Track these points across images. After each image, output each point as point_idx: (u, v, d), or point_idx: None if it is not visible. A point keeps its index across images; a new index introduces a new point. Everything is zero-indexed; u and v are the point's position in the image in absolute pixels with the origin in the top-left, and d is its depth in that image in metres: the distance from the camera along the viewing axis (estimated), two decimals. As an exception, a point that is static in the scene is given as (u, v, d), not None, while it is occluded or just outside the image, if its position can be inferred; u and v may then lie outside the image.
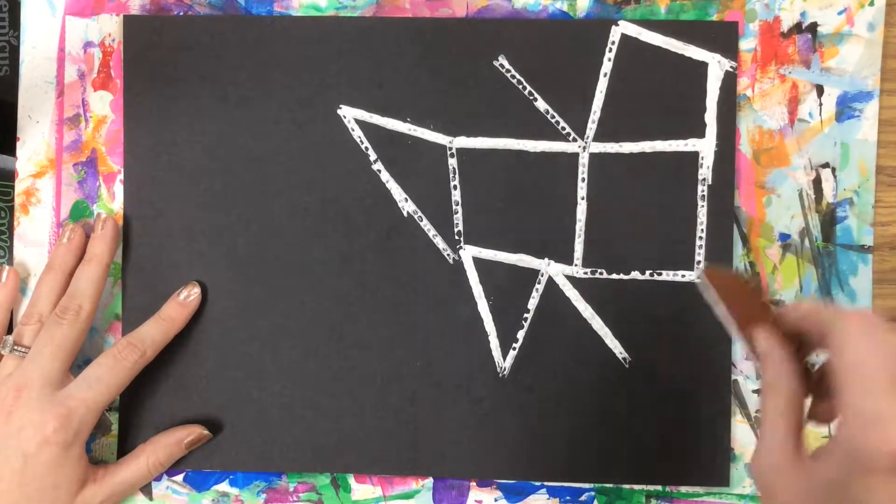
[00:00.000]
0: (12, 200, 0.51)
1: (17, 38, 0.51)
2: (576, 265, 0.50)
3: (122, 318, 0.51)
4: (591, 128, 0.50)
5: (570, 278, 0.50)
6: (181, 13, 0.51)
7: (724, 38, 0.49)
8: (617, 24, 0.50)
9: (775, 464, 0.34)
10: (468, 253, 0.50)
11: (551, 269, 0.50)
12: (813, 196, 0.50)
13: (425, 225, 0.50)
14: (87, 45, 0.51)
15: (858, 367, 0.32)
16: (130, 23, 0.51)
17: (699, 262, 0.50)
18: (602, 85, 0.50)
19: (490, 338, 0.50)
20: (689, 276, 0.50)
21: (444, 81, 0.50)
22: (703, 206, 0.49)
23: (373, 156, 0.50)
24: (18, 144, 0.51)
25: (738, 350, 0.49)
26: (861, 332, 0.32)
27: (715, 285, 0.38)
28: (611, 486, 0.50)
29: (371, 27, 0.50)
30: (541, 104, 0.50)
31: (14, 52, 0.51)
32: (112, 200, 0.51)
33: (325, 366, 0.50)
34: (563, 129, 0.50)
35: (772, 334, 0.36)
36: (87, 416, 0.45)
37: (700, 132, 0.49)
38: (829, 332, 0.33)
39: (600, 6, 0.50)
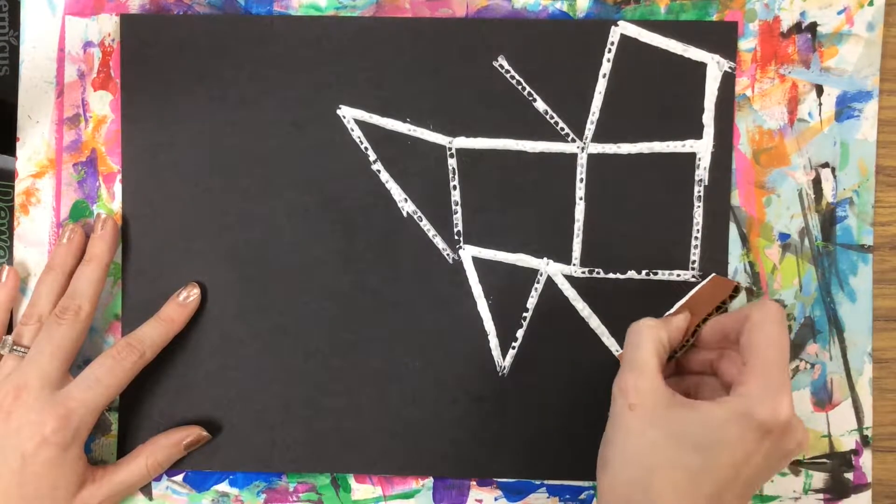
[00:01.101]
0: (12, 200, 0.51)
1: (17, 38, 0.51)
2: (574, 265, 0.50)
3: (121, 318, 0.51)
4: (590, 128, 0.50)
5: (569, 278, 0.50)
6: (180, 13, 0.51)
7: (723, 38, 0.49)
8: (616, 25, 0.50)
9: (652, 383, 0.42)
10: (468, 253, 0.50)
11: (550, 268, 0.50)
12: (813, 196, 0.50)
13: (425, 225, 0.50)
14: (87, 44, 0.51)
15: (771, 346, 0.40)
16: (128, 22, 0.51)
17: (694, 262, 0.50)
18: (601, 86, 0.50)
19: (490, 337, 0.50)
20: (684, 275, 0.50)
21: (444, 81, 0.50)
22: (699, 206, 0.49)
23: (372, 156, 0.50)
24: (18, 144, 0.51)
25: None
26: (776, 318, 0.41)
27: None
28: (610, 485, 0.50)
29: (371, 27, 0.50)
30: (540, 105, 0.50)
31: (14, 52, 0.51)
32: (112, 200, 0.51)
33: (325, 366, 0.50)
34: (562, 129, 0.50)
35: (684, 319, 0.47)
36: (86, 416, 0.46)
37: (698, 133, 0.49)
38: (749, 315, 0.41)
39: (600, 6, 0.50)
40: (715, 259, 0.49)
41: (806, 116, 0.50)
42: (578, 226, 0.50)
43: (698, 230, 0.49)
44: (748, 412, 0.39)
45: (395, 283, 0.50)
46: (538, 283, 0.50)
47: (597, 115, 0.50)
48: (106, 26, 0.51)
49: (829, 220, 0.50)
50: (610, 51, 0.50)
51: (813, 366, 0.50)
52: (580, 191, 0.50)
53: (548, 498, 0.50)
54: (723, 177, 0.49)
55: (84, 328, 0.47)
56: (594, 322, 0.50)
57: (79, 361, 0.49)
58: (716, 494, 0.39)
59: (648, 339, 0.43)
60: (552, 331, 0.50)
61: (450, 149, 0.50)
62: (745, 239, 0.50)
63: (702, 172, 0.49)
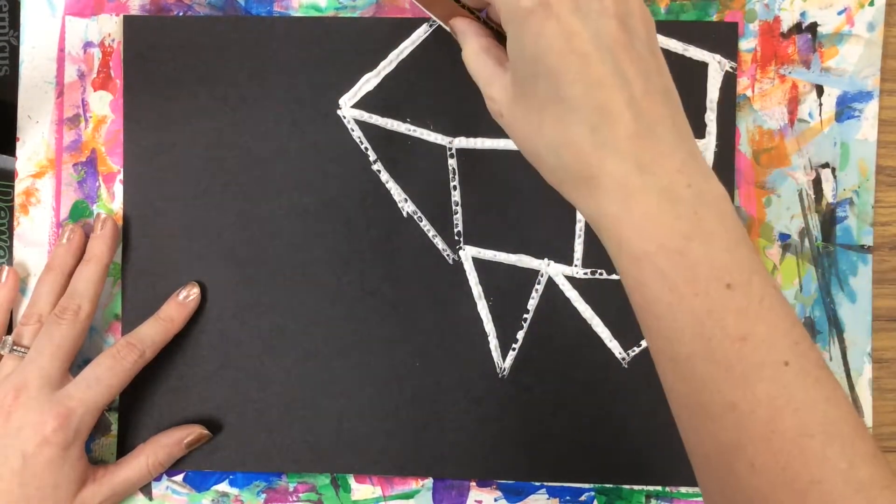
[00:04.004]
0: (12, 200, 0.51)
1: (17, 38, 0.51)
2: (576, 265, 0.50)
3: (121, 318, 0.51)
4: (591, 128, 0.50)
5: (570, 279, 0.50)
6: (181, 13, 0.51)
7: (723, 38, 0.49)
8: (617, 25, 0.50)
9: (505, 94, 0.37)
10: (468, 253, 0.50)
11: (551, 269, 0.50)
12: (813, 196, 0.50)
13: (425, 225, 0.50)
14: (87, 45, 0.51)
15: None
16: (130, 23, 0.51)
17: None
18: (602, 85, 0.50)
19: (490, 338, 0.50)
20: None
21: (443, 81, 0.50)
22: (702, 206, 0.49)
23: (372, 156, 0.50)
24: (18, 144, 0.51)
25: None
26: None
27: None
28: (610, 486, 0.50)
29: (371, 27, 0.50)
30: (540, 104, 0.50)
31: (14, 52, 0.51)
32: (112, 200, 0.51)
33: (325, 366, 0.50)
34: (563, 129, 0.50)
35: (463, 18, 0.41)
36: (87, 416, 0.46)
37: (700, 133, 0.49)
38: None
39: (600, 6, 0.50)
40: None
41: (806, 117, 0.50)
42: (580, 226, 0.50)
43: (700, 230, 0.49)
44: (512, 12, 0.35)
45: (395, 283, 0.50)
46: (539, 283, 0.50)
47: (598, 115, 0.50)
48: (106, 26, 0.51)
49: (829, 220, 0.50)
50: (610, 51, 0.49)
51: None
52: (581, 191, 0.50)
53: (548, 499, 0.50)
54: (726, 176, 0.49)
55: (84, 328, 0.47)
56: (596, 324, 0.50)
57: (79, 361, 0.49)
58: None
59: (476, 58, 0.40)
60: (553, 332, 0.50)
61: (450, 149, 0.50)
62: (745, 239, 0.50)
63: (703, 172, 0.49)
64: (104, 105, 0.51)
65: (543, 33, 0.33)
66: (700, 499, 0.50)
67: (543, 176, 0.37)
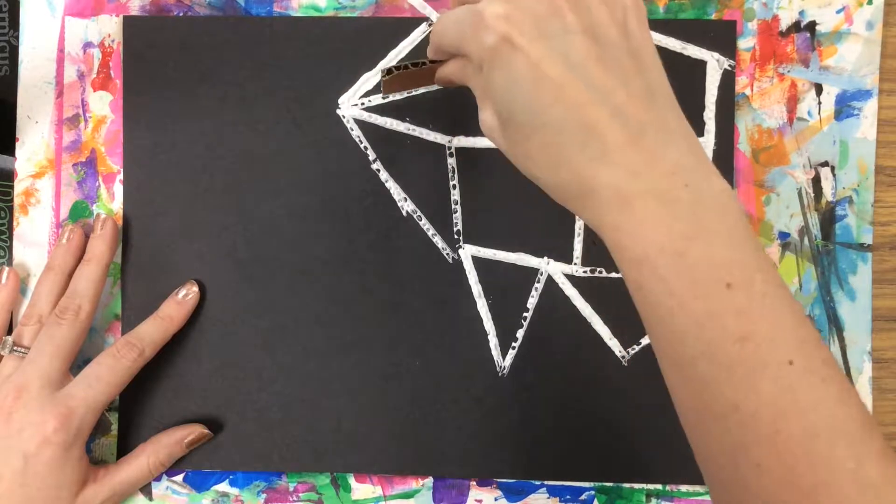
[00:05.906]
0: (12, 201, 0.51)
1: (17, 38, 0.51)
2: (575, 264, 0.50)
3: (121, 318, 0.51)
4: (590, 127, 0.50)
5: (570, 277, 0.50)
6: (181, 14, 0.51)
7: (722, 36, 0.49)
8: (615, 24, 0.50)
9: None
10: (467, 252, 0.50)
11: (551, 267, 0.50)
12: (812, 195, 0.50)
13: (424, 224, 0.50)
14: (87, 45, 0.51)
15: None
16: (130, 23, 0.51)
17: None
18: (601, 84, 0.50)
19: (489, 337, 0.50)
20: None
21: (443, 81, 0.50)
22: (702, 204, 0.49)
23: (372, 155, 0.50)
24: (18, 145, 0.51)
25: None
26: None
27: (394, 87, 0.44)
28: (611, 484, 0.50)
29: (370, 27, 0.50)
30: (540, 103, 0.50)
31: (14, 52, 0.51)
32: (112, 200, 0.51)
33: (325, 366, 0.50)
34: (563, 128, 0.50)
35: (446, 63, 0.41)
36: (88, 415, 0.46)
37: (699, 131, 0.49)
38: None
39: (599, 5, 0.50)
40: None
41: (805, 115, 0.50)
42: (580, 224, 0.50)
43: (700, 228, 0.49)
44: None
45: (395, 282, 0.50)
46: (538, 282, 0.50)
47: (597, 114, 0.50)
48: (106, 27, 0.51)
49: (829, 218, 0.50)
50: (609, 50, 0.50)
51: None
52: (580, 189, 0.50)
53: (548, 498, 0.50)
54: (725, 174, 0.49)
55: (84, 328, 0.47)
56: (596, 322, 0.50)
57: (79, 361, 0.49)
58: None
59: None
60: (553, 331, 0.50)
61: (449, 148, 0.50)
62: (744, 238, 0.50)
63: (702, 170, 0.49)
64: (104, 105, 0.51)
65: (512, 67, 0.33)
66: (701, 497, 0.50)
67: (549, 194, 0.37)
